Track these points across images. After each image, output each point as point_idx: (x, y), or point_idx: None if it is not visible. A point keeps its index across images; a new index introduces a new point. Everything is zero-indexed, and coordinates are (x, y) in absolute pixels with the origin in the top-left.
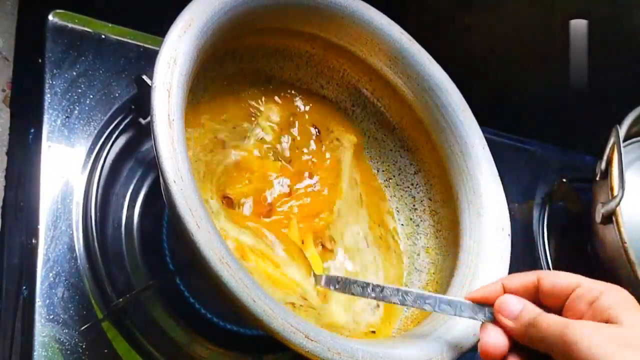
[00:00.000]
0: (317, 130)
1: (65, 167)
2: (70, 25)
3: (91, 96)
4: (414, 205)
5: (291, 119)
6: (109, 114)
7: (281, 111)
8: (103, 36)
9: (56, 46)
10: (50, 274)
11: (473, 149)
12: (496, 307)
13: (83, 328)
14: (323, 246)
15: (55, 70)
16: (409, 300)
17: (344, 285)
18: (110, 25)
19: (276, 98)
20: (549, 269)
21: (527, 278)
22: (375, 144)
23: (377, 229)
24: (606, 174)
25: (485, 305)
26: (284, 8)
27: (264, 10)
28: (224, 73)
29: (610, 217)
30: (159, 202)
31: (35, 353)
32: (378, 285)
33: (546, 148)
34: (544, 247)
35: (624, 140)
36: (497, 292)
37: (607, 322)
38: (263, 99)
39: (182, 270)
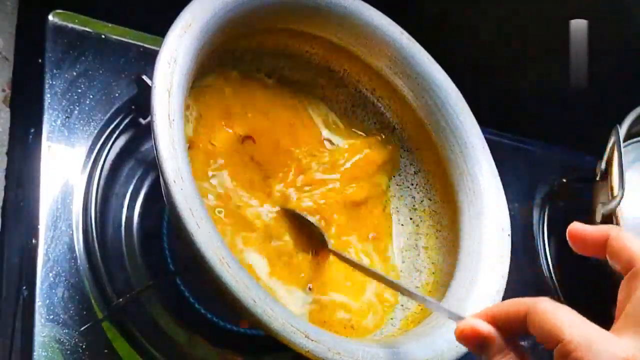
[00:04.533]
0: None
1: (65, 167)
2: (70, 25)
3: (91, 96)
4: (414, 205)
5: None
6: (109, 114)
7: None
8: (103, 36)
9: (56, 46)
10: (50, 274)
11: (473, 149)
12: None
13: (83, 328)
14: None
15: (55, 70)
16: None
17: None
18: (110, 25)
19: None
20: (549, 269)
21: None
22: None
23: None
24: (606, 174)
25: None
26: (284, 8)
27: (264, 10)
28: (224, 73)
29: (610, 217)
30: (159, 202)
31: (35, 353)
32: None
33: (546, 148)
34: (544, 247)
35: (624, 140)
36: None
37: None
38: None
39: (182, 270)
